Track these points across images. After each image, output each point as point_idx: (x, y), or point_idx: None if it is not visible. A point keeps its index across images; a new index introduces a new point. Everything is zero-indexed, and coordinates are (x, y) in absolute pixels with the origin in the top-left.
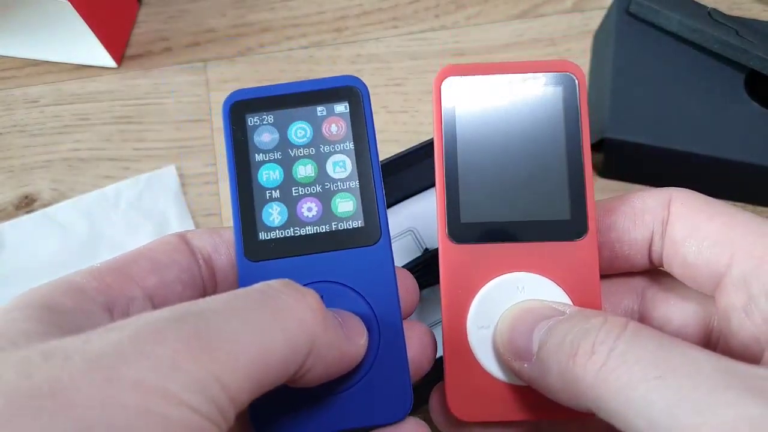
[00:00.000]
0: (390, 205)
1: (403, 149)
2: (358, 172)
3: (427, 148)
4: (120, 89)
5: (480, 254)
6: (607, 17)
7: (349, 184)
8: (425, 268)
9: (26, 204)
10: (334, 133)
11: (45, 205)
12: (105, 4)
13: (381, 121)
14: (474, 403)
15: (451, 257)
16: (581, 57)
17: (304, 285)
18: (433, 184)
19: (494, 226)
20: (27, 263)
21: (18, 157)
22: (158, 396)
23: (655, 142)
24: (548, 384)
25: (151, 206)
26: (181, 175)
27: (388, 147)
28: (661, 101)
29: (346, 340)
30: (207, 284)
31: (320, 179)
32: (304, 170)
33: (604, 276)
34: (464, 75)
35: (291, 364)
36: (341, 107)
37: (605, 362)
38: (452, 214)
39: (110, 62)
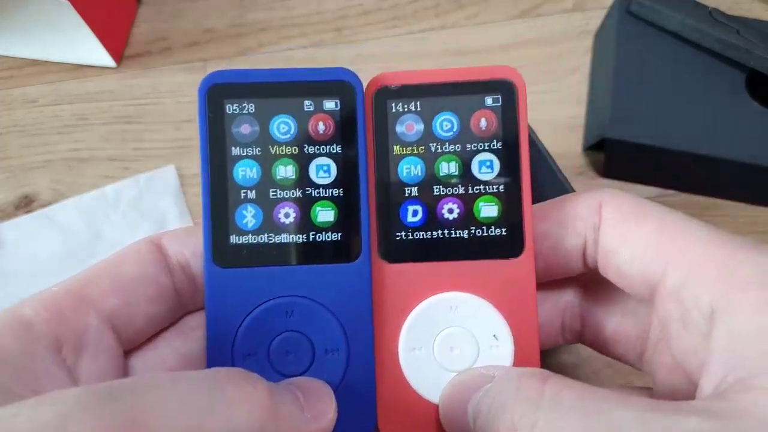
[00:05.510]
0: None
1: None
2: (342, 178)
3: None
4: (119, 89)
5: (412, 274)
6: (607, 17)
7: (332, 192)
8: None
9: (25, 204)
10: (321, 132)
11: (44, 205)
12: (104, 4)
13: None
14: (405, 424)
15: (383, 277)
16: (582, 57)
17: (275, 299)
18: None
19: (427, 244)
20: (26, 263)
21: (17, 157)
22: None
23: (655, 141)
24: None
25: (150, 206)
26: (180, 175)
27: None
28: (661, 101)
29: (306, 423)
30: (183, 293)
31: (301, 183)
32: (285, 171)
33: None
34: (399, 84)
35: None
36: (331, 104)
37: None
38: (384, 233)
39: (110, 62)
